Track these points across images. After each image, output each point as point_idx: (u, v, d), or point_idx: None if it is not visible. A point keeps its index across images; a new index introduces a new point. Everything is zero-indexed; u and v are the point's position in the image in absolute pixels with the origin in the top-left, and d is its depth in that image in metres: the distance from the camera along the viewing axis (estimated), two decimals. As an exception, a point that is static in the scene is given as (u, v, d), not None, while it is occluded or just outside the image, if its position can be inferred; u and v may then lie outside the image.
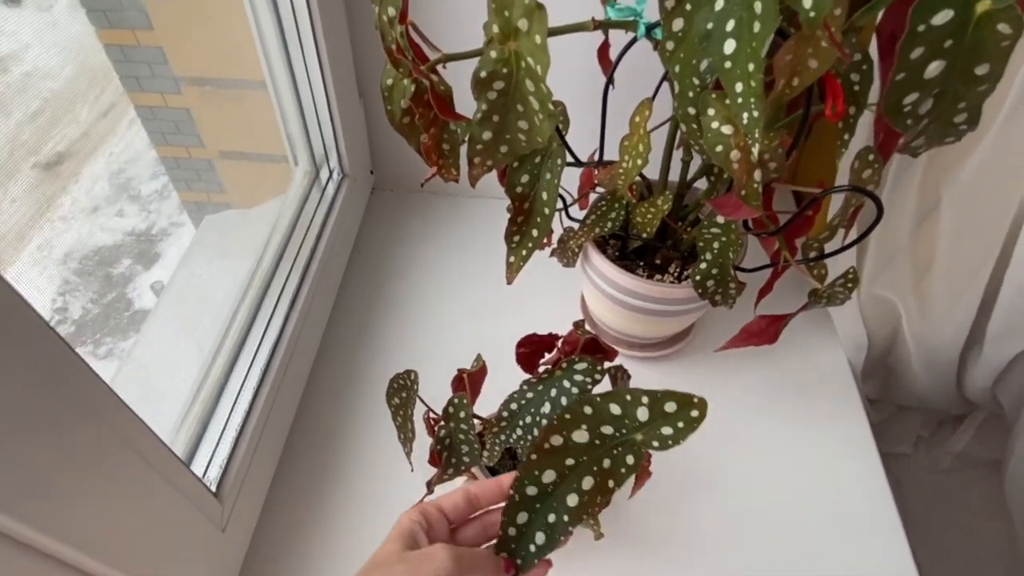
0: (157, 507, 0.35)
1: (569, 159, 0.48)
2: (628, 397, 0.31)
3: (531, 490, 0.30)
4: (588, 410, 0.31)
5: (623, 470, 0.29)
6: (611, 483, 0.29)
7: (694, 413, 0.30)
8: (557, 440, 0.30)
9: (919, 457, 0.82)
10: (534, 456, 0.30)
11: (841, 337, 0.64)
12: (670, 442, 0.30)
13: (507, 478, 0.34)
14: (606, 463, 0.30)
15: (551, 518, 0.29)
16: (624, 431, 0.30)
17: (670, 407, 0.30)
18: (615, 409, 0.31)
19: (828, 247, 0.48)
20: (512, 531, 0.30)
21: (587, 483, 0.29)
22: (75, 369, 0.27)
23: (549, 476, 0.30)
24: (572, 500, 0.29)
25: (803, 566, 0.50)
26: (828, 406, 0.60)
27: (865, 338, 0.62)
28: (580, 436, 0.30)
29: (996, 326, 0.57)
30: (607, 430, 0.30)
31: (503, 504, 0.33)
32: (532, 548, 0.29)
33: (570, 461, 0.30)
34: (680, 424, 0.30)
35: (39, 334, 0.25)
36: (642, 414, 0.31)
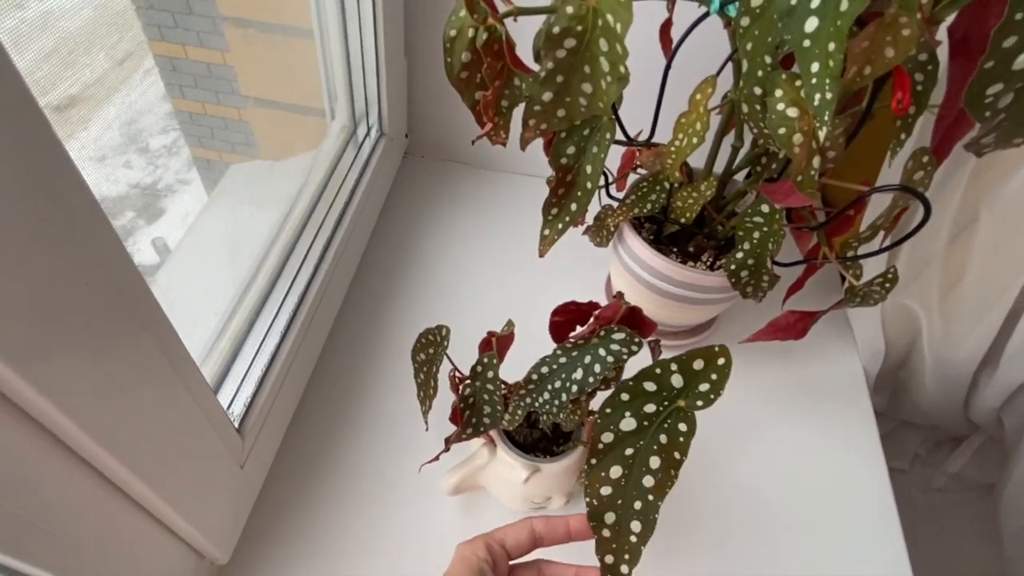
0: (187, 430, 0.35)
1: (618, 135, 0.48)
2: (658, 370, 0.31)
3: (606, 490, 0.30)
4: (626, 396, 0.31)
5: (681, 439, 0.30)
6: (676, 454, 0.29)
7: (720, 362, 0.31)
8: (608, 437, 0.30)
9: (914, 474, 0.83)
10: (593, 460, 0.30)
11: (859, 344, 0.64)
12: (712, 396, 0.30)
13: (575, 520, 0.34)
14: (663, 439, 0.30)
15: (638, 505, 0.29)
16: (667, 403, 0.31)
17: (698, 364, 0.31)
18: (650, 386, 0.31)
19: (863, 248, 0.48)
20: (607, 532, 0.30)
21: (655, 462, 0.29)
22: (127, 269, 0.27)
23: (616, 471, 0.30)
24: (648, 481, 0.29)
25: (799, 566, 0.50)
26: (840, 413, 0.60)
27: (883, 347, 0.63)
28: (627, 424, 0.30)
29: (1014, 348, 0.58)
30: (650, 408, 0.31)
31: (563, 565, 0.34)
32: (633, 539, 0.29)
33: (629, 451, 0.30)
34: (714, 376, 0.30)
35: (101, 225, 0.25)
36: (676, 381, 0.31)
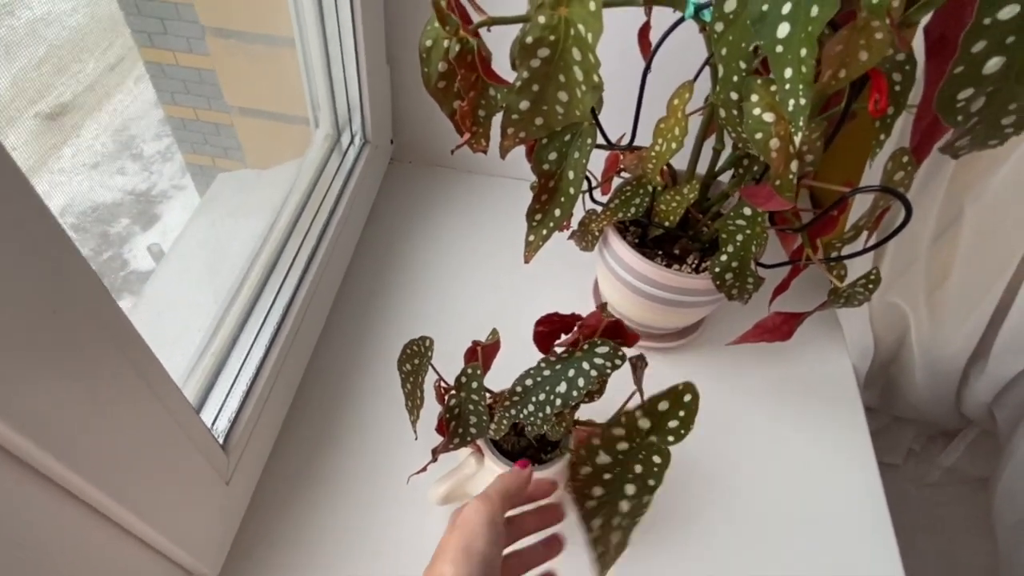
0: (169, 451, 0.35)
1: (599, 140, 0.48)
2: (623, 419, 0.32)
3: (590, 504, 0.31)
4: (596, 441, 0.32)
5: (655, 469, 0.30)
6: (651, 482, 0.30)
7: (687, 398, 0.31)
8: (587, 469, 0.32)
9: (908, 469, 0.83)
10: (577, 480, 0.31)
11: (848, 343, 0.64)
12: (683, 431, 0.31)
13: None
14: (638, 468, 0.31)
15: (616, 521, 0.31)
16: (638, 440, 0.32)
17: (663, 406, 0.31)
18: (619, 431, 0.32)
19: (848, 249, 0.48)
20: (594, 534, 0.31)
21: (630, 489, 0.31)
22: (97, 292, 0.27)
23: (598, 491, 0.31)
24: (624, 506, 0.31)
25: (791, 565, 0.50)
26: (831, 411, 0.60)
27: (872, 345, 0.63)
28: (603, 458, 0.32)
29: (1003, 342, 0.58)
30: (623, 446, 0.32)
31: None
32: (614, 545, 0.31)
33: (607, 476, 0.31)
34: (682, 413, 0.31)
35: (67, 249, 0.25)
36: (644, 423, 0.32)
